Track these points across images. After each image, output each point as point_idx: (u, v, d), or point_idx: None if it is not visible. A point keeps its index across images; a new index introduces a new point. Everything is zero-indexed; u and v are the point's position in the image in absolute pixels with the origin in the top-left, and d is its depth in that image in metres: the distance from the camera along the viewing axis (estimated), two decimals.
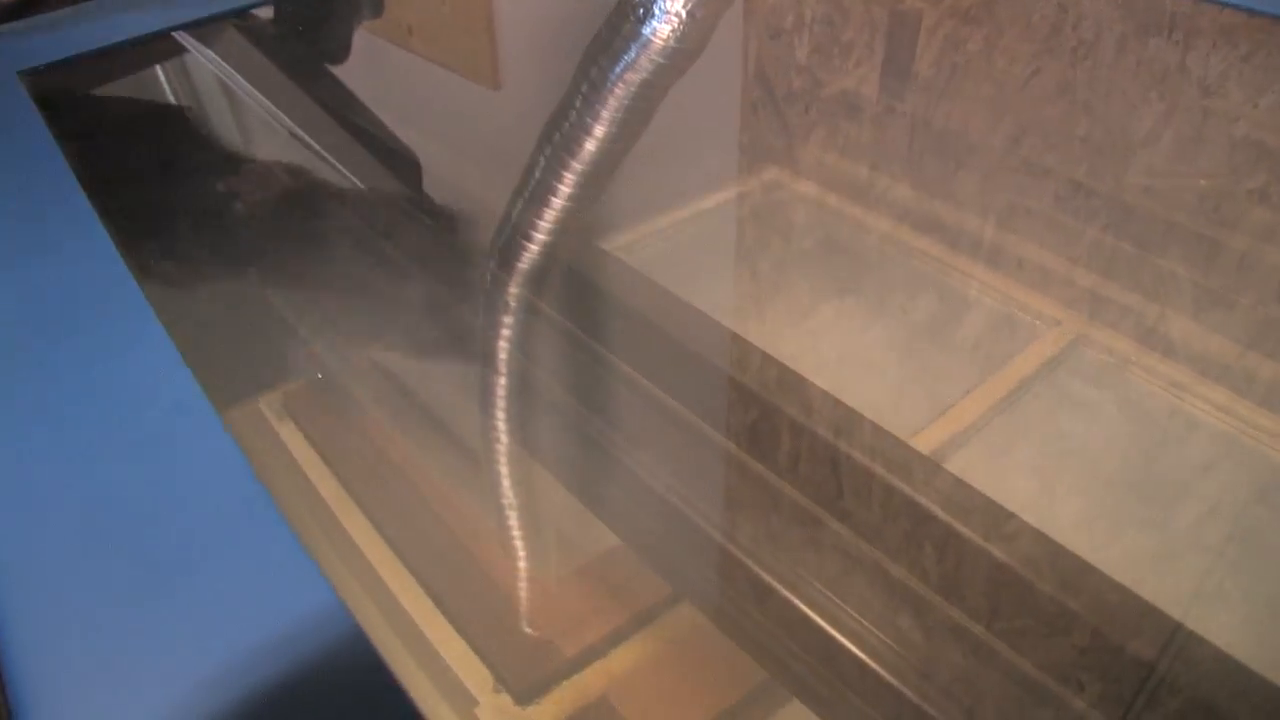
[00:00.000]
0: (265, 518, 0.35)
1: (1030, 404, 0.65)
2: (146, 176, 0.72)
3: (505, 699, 0.46)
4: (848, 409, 0.56)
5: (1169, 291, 0.68)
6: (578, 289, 0.66)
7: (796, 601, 0.48)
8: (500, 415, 0.59)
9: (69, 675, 0.31)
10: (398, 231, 0.70)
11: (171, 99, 0.82)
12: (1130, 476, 0.61)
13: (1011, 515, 0.50)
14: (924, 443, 0.62)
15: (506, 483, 0.58)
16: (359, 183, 0.72)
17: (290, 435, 0.59)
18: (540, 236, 0.65)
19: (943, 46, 0.76)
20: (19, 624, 0.32)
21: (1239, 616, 0.52)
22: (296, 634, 0.31)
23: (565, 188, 0.67)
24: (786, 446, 0.54)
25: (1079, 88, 0.69)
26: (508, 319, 0.63)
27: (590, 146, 0.68)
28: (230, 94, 0.83)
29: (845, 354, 0.69)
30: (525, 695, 0.46)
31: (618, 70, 0.69)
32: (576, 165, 0.67)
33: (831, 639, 0.47)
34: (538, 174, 0.68)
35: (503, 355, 0.61)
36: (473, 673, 0.47)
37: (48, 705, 0.30)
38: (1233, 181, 0.64)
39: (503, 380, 0.61)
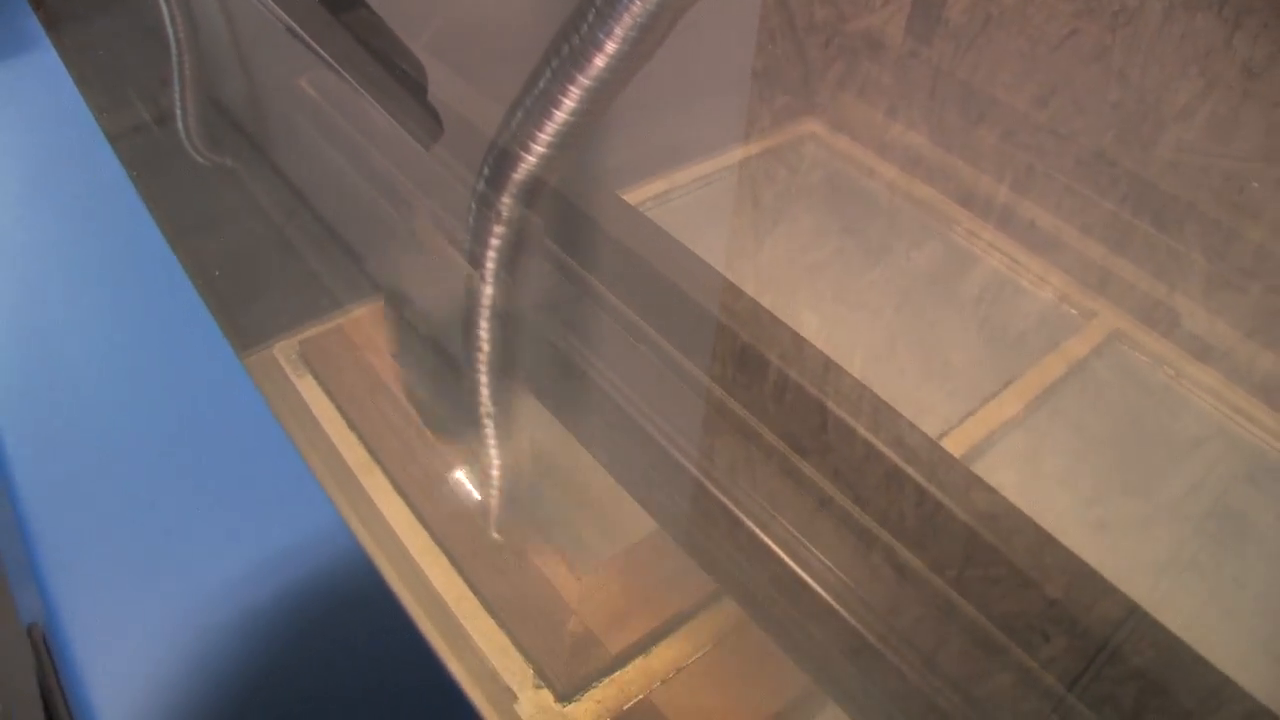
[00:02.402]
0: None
1: (1022, 363, 0.65)
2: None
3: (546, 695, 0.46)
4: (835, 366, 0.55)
5: (1180, 271, 0.67)
6: (571, 215, 0.65)
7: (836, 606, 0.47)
8: (487, 352, 0.58)
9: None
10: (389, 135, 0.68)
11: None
12: (1119, 443, 0.61)
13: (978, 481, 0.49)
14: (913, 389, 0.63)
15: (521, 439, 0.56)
16: (360, 87, 0.69)
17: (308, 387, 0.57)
18: (538, 149, 0.64)
19: None
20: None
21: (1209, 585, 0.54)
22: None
23: (569, 101, 0.65)
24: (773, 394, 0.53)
25: (1116, 53, 0.66)
26: (498, 228, 0.61)
27: (599, 63, 0.65)
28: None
29: (840, 294, 0.69)
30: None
31: None
32: (584, 80, 0.65)
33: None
34: (541, 84, 0.66)
35: (490, 275, 0.60)
36: (513, 666, 0.46)
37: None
38: (1263, 168, 0.63)
39: (487, 306, 0.59)
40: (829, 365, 0.54)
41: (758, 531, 0.49)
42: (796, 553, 0.48)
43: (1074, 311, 0.68)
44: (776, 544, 0.48)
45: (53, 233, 0.46)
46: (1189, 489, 0.59)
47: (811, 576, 0.47)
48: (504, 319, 0.59)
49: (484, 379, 0.58)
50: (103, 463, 0.36)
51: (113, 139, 0.51)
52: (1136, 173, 0.68)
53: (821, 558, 0.48)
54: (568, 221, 0.64)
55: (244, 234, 0.63)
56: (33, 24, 0.57)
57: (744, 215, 0.75)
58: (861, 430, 0.51)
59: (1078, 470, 0.59)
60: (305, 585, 0.32)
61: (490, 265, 0.60)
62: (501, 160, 0.63)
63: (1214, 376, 0.65)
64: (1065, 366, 0.65)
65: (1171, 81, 0.64)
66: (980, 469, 0.58)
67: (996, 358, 0.65)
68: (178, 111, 0.69)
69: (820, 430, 0.51)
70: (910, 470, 0.49)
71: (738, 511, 0.50)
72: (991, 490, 0.48)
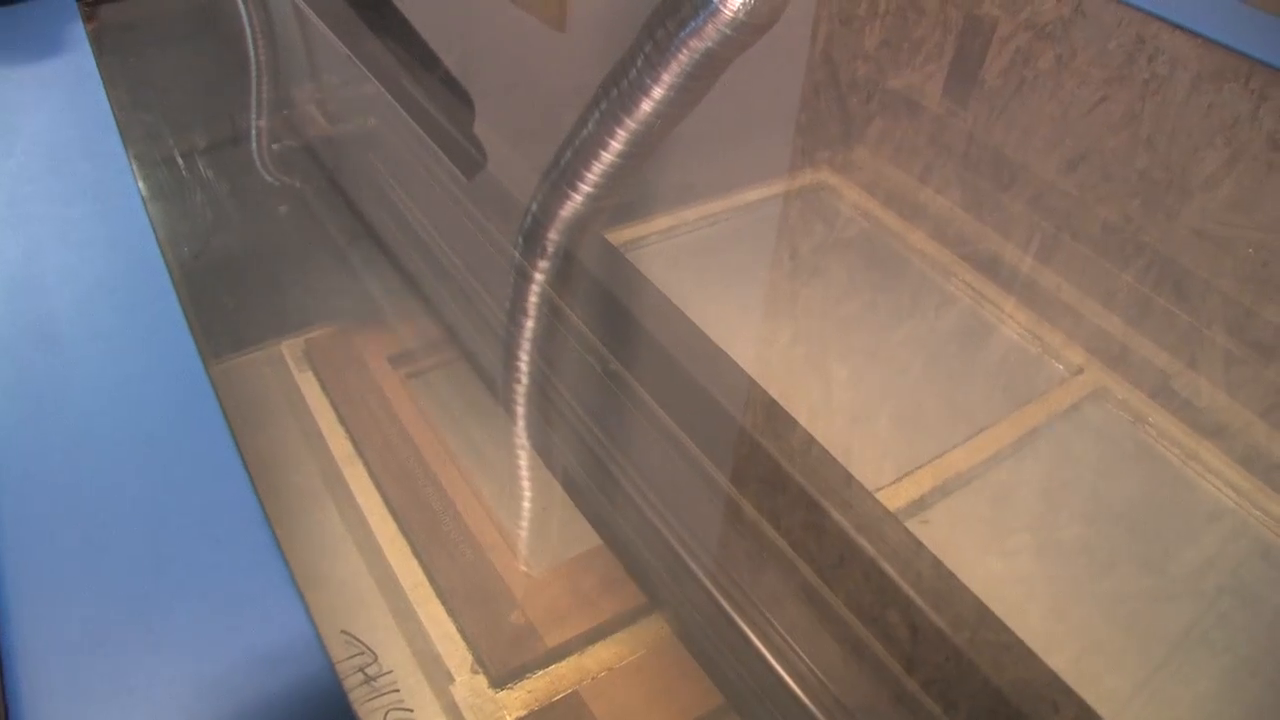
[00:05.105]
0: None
1: (1041, 439, 0.65)
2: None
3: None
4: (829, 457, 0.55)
5: (1199, 346, 0.67)
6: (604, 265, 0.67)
7: (752, 636, 0.49)
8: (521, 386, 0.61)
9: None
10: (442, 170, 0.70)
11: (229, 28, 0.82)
12: (1133, 514, 0.61)
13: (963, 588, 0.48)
14: (930, 448, 0.63)
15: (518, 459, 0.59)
16: (412, 119, 0.72)
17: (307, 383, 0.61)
18: (585, 188, 0.65)
19: (1013, 58, 0.75)
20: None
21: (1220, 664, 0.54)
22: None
23: (616, 144, 0.66)
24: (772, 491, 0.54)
25: (1145, 121, 0.67)
26: (542, 263, 0.63)
27: (646, 107, 0.67)
28: (295, 22, 0.83)
29: (871, 351, 0.70)
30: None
31: (682, 35, 0.68)
32: (630, 123, 0.67)
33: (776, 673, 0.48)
34: (590, 126, 0.68)
35: (530, 308, 0.62)
36: (455, 651, 0.49)
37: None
38: None
39: (526, 340, 0.61)
40: (777, 407, 0.56)
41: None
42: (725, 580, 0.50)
43: (1091, 381, 0.68)
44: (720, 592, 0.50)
45: (58, 229, 0.44)
46: (1203, 564, 0.59)
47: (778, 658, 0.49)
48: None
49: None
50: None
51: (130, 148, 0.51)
52: (1159, 244, 0.69)
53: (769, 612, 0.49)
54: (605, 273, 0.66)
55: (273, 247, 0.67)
56: (78, 29, 0.59)
57: (781, 267, 0.76)
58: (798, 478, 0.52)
59: (1093, 540, 0.59)
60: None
61: (531, 296, 0.62)
62: (551, 195, 0.65)
63: (1228, 455, 0.64)
64: (1083, 436, 0.65)
65: (1198, 151, 0.65)
66: (995, 532, 0.59)
67: (1016, 421, 0.65)
68: (252, 129, 0.73)
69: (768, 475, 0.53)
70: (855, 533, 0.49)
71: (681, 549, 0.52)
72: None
